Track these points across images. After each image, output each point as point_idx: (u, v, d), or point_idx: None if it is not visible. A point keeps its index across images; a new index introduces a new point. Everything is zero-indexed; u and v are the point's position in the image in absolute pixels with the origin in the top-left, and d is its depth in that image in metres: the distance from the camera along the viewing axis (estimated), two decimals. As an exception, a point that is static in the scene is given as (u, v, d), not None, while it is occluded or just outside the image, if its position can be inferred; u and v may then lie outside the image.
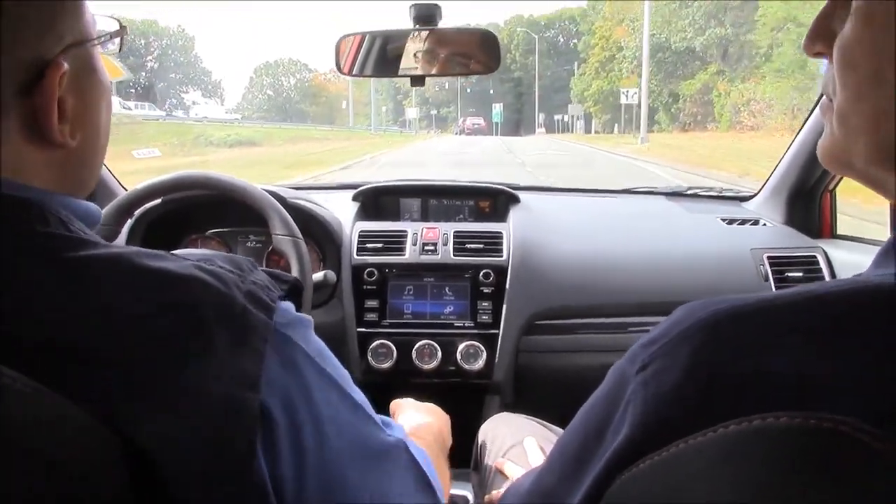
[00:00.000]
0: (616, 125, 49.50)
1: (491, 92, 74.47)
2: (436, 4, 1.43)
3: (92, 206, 0.60)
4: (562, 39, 77.30)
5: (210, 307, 0.51)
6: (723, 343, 0.48)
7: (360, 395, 0.62)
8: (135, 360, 0.48)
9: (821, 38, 0.54)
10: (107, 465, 0.45)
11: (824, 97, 0.57)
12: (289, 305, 0.57)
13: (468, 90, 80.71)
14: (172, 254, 0.55)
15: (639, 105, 32.55)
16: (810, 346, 0.45)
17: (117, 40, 0.65)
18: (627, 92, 34.04)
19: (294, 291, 0.59)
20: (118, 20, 0.67)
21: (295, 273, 1.42)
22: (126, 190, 1.76)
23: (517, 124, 69.94)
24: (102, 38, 0.59)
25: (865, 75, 0.50)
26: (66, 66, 0.54)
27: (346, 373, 0.61)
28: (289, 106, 79.77)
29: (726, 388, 0.46)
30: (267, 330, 0.53)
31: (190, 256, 0.55)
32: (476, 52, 1.47)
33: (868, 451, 0.40)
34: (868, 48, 0.50)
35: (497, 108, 62.58)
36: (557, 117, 61.69)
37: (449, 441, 1.08)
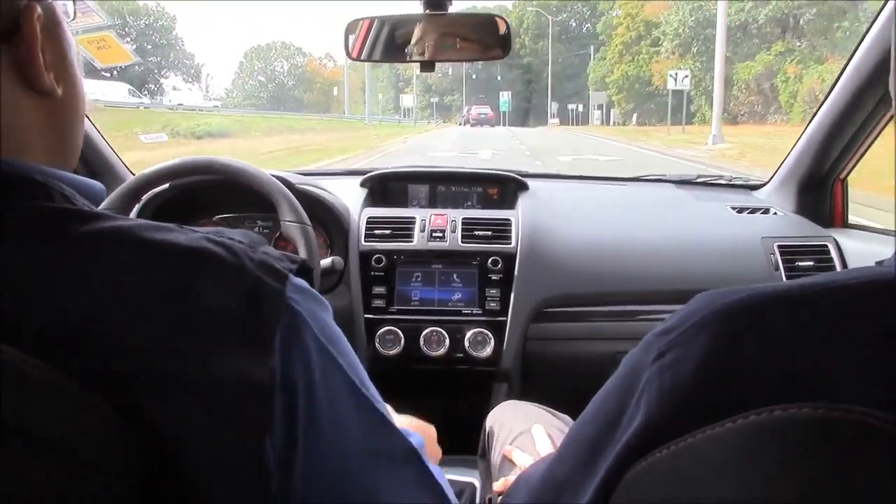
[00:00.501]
0: (636, 115, 46.93)
1: (499, 78, 70.77)
2: None
3: (95, 182, 0.59)
4: (574, 23, 72.00)
5: (220, 277, 0.50)
6: (739, 333, 0.47)
7: (372, 392, 0.60)
8: (144, 339, 0.47)
9: None
10: (118, 450, 0.45)
11: None
12: (301, 282, 0.55)
13: (473, 76, 76.38)
14: (181, 227, 0.54)
15: (681, 93, 28.17)
16: (827, 338, 0.45)
17: (70, 4, 0.67)
18: (676, 75, 27.21)
19: (303, 271, 0.58)
20: None
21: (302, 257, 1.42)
22: (134, 175, 1.76)
23: (526, 114, 66.66)
24: None
25: None
26: (39, 9, 0.54)
27: (358, 364, 0.59)
28: (282, 93, 76.13)
29: (743, 378, 0.46)
30: (280, 299, 0.51)
31: (199, 230, 0.54)
32: (486, 38, 1.46)
33: (893, 442, 0.39)
34: None
35: (505, 97, 59.40)
36: (571, 107, 57.47)
37: (438, 456, 1.07)
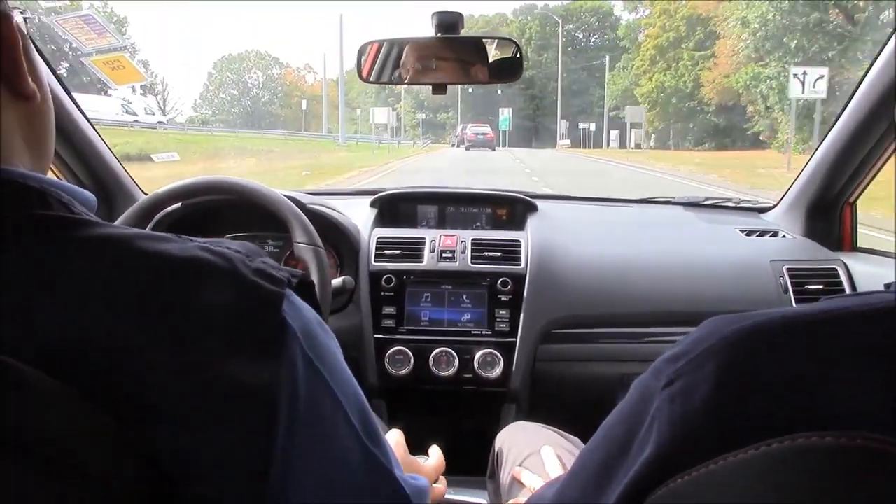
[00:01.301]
0: (671, 135, 41.00)
1: (499, 93, 60.46)
2: (458, 13, 1.43)
3: (88, 193, 0.60)
4: (581, 35, 64.31)
5: (216, 286, 0.50)
6: (748, 361, 0.48)
7: (372, 421, 0.59)
8: (142, 345, 0.47)
9: None
10: (117, 460, 0.45)
11: None
12: (299, 300, 0.55)
13: (470, 91, 61.94)
14: (178, 237, 0.54)
15: (810, 103, 18.86)
16: (836, 365, 0.45)
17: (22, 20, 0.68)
18: (805, 77, 17.01)
19: (303, 285, 0.57)
20: (20, 10, 0.70)
21: (314, 281, 1.43)
22: (146, 194, 1.78)
23: (529, 133, 58.81)
24: (18, 8, 0.61)
25: None
26: (16, 18, 0.56)
27: (357, 398, 0.58)
28: (256, 108, 67.57)
29: (753, 405, 0.46)
30: (280, 299, 0.52)
31: (196, 239, 0.54)
32: (498, 62, 1.47)
33: None
34: None
35: (505, 114, 50.25)
36: (583, 126, 48.69)
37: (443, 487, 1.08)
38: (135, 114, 31.66)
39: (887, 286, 0.53)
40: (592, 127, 48.05)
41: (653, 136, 40.84)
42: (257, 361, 0.49)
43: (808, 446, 0.42)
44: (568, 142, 49.40)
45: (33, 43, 0.61)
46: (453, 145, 46.04)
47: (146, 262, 0.50)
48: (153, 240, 0.52)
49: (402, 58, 1.50)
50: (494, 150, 38.22)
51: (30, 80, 0.57)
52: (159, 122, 36.33)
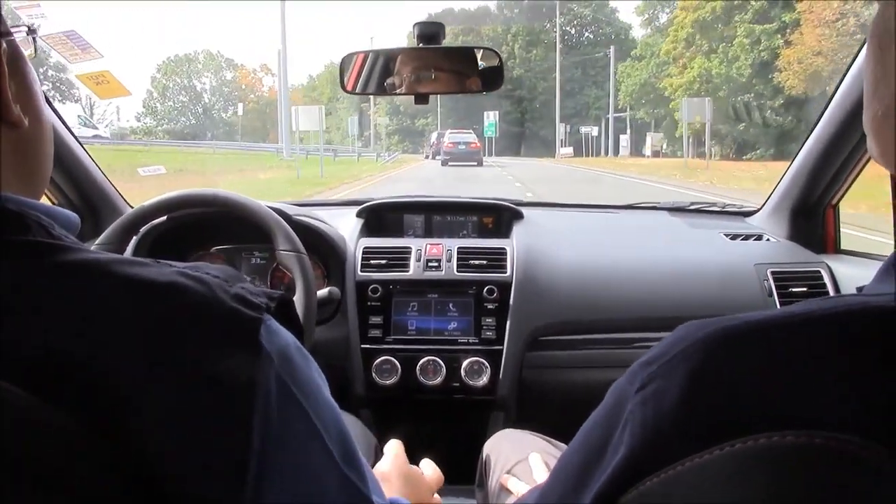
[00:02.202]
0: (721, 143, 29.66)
1: (484, 94, 50.00)
2: (439, 23, 1.44)
3: (70, 213, 0.60)
4: (574, 30, 55.22)
5: (193, 311, 0.51)
6: (719, 365, 0.48)
7: (350, 445, 0.58)
8: (120, 368, 0.47)
9: None
10: (100, 476, 0.45)
11: None
12: (277, 325, 0.55)
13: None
14: (157, 261, 0.55)
15: None
16: (807, 367, 0.46)
17: (32, 41, 0.68)
18: None
19: (282, 305, 0.57)
20: (27, 26, 0.70)
21: (299, 288, 1.43)
22: (132, 207, 1.77)
23: (517, 140, 51.48)
24: (20, 28, 0.62)
25: None
26: (4, 45, 0.56)
27: (337, 423, 0.58)
28: (209, 115, 58.77)
29: (723, 408, 0.47)
30: (258, 326, 0.52)
31: (175, 264, 0.55)
32: (479, 70, 1.48)
33: (874, 469, 0.40)
34: None
35: (491, 118, 40.44)
36: (585, 130, 43.33)
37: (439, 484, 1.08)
38: (95, 127, 30.89)
39: (859, 289, 0.54)
40: (594, 132, 42.37)
41: (687, 140, 29.16)
42: (233, 385, 0.49)
43: (768, 446, 0.43)
44: (570, 150, 40.98)
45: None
46: (427, 157, 37.41)
47: (125, 287, 0.50)
48: (131, 265, 0.52)
49: (389, 69, 1.51)
50: (482, 163, 29.33)
51: (14, 106, 0.56)
52: (95, 136, 30.40)
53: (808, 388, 0.45)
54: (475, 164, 28.46)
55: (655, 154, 34.14)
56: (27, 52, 0.67)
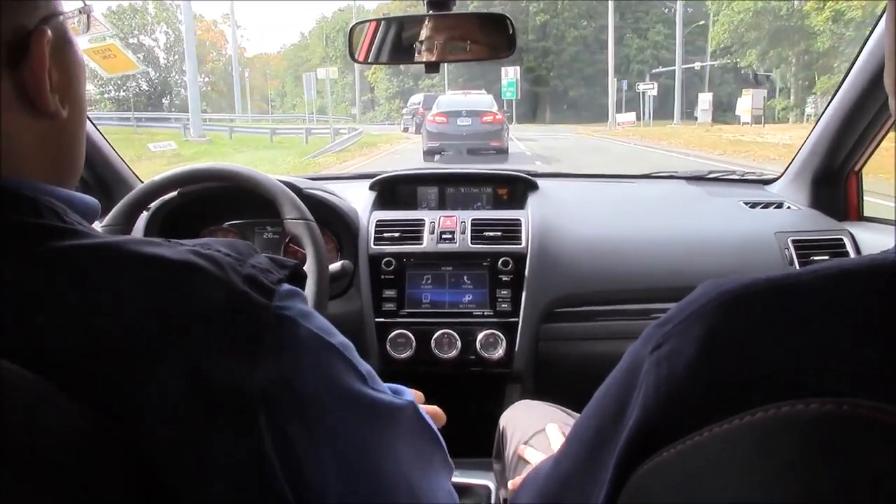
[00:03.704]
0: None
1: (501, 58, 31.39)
2: None
3: (91, 199, 0.60)
4: None
5: (207, 292, 0.50)
6: (736, 323, 0.46)
7: (365, 366, 0.61)
8: (129, 354, 0.47)
9: None
10: (107, 468, 0.45)
11: None
12: (289, 288, 0.55)
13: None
14: (168, 241, 0.54)
15: None
16: (826, 326, 0.44)
17: (84, 18, 0.67)
18: None
19: (295, 276, 0.58)
20: (83, 1, 0.69)
21: (310, 256, 1.41)
22: (142, 182, 1.77)
23: (543, 103, 41.15)
24: (72, 14, 0.61)
25: None
26: (49, 33, 0.54)
27: (350, 344, 0.60)
28: (167, 79, 46.07)
29: (741, 371, 0.45)
30: (267, 313, 0.51)
31: (186, 243, 0.54)
32: (493, 38, 1.46)
33: None
34: None
35: (510, 76, 28.48)
36: (645, 87, 31.38)
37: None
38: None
39: (884, 253, 0.51)
40: (653, 90, 30.39)
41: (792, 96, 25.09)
42: (243, 366, 0.49)
43: (793, 414, 0.40)
44: (632, 116, 29.21)
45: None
46: (407, 130, 25.62)
47: (140, 265, 0.50)
48: (145, 244, 0.52)
49: (398, 37, 1.49)
50: (506, 151, 16.06)
51: (52, 97, 0.55)
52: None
53: (833, 350, 0.43)
54: (492, 153, 15.54)
55: (757, 120, 24.24)
56: (80, 28, 0.66)
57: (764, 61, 30.93)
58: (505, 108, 18.45)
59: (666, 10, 42.00)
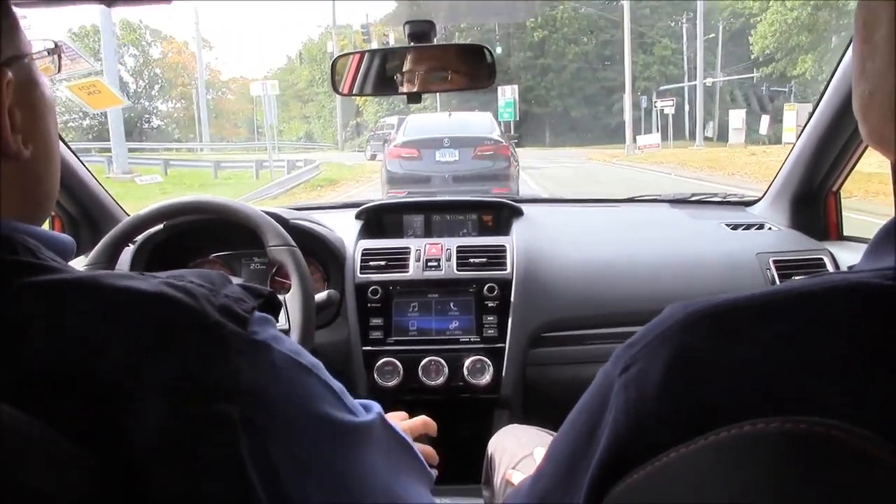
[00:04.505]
0: None
1: (499, 49, 32.82)
2: (430, 22, 1.44)
3: (66, 237, 0.61)
4: None
5: (181, 323, 0.51)
6: (701, 344, 0.47)
7: (336, 384, 0.62)
8: (106, 382, 0.47)
9: None
10: (92, 493, 0.45)
11: None
12: (261, 315, 0.57)
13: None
14: (142, 274, 0.55)
15: None
16: (789, 347, 0.45)
17: (56, 58, 0.69)
18: None
19: (270, 304, 0.59)
20: (54, 41, 0.70)
21: (294, 282, 1.42)
22: (128, 216, 1.77)
23: (542, 124, 38.41)
24: (40, 54, 0.62)
25: None
26: (10, 75, 0.55)
27: (320, 363, 0.61)
28: (135, 106, 42.10)
29: (706, 391, 0.46)
30: (242, 341, 0.52)
31: (160, 275, 0.55)
32: (471, 67, 1.48)
33: (862, 455, 0.39)
34: None
35: (508, 96, 23.92)
36: (663, 105, 27.43)
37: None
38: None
39: (850, 268, 0.53)
40: (671, 107, 26.86)
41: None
42: (220, 392, 0.50)
43: (755, 433, 0.41)
44: (656, 137, 25.37)
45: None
46: (373, 158, 21.87)
47: (115, 296, 0.51)
48: (119, 277, 0.52)
49: (381, 69, 1.51)
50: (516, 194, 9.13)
51: (14, 137, 0.56)
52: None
53: (795, 367, 0.44)
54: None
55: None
56: (51, 67, 0.67)
57: (822, 68, 25.62)
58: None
59: (672, 24, 39.45)
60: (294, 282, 1.42)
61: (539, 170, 16.76)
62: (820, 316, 0.46)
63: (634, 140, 25.46)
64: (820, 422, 0.40)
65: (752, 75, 31.36)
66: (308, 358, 0.59)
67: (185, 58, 47.37)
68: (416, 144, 9.93)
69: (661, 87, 32.34)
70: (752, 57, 30.55)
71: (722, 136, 27.73)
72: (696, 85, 29.93)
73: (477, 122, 10.99)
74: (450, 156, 9.77)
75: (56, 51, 0.68)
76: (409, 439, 0.76)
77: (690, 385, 0.46)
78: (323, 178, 16.92)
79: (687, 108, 28.63)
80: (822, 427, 0.40)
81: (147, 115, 43.77)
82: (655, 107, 28.15)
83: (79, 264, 1.47)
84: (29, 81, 0.59)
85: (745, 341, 0.46)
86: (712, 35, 33.63)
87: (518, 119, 26.75)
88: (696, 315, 0.49)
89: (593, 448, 0.51)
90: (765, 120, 22.68)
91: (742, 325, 0.47)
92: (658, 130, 26.95)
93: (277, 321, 0.60)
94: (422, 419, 1.14)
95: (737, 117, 25.80)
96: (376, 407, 0.69)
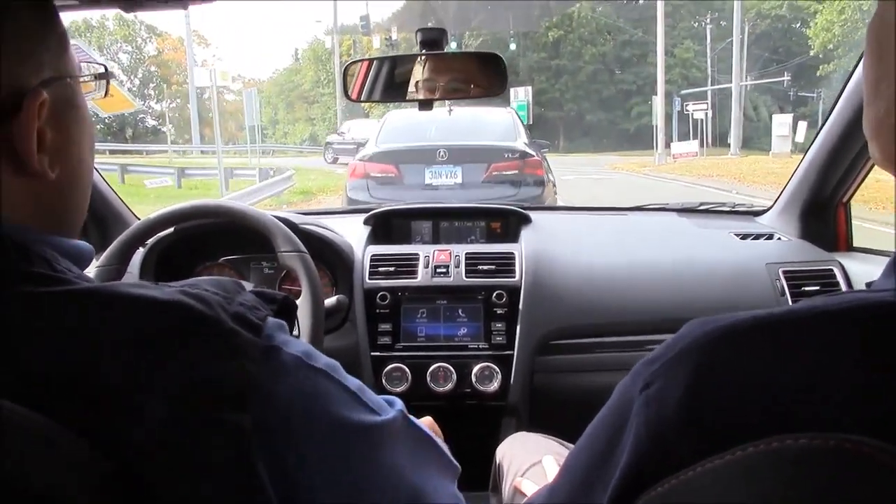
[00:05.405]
0: None
1: (512, 46, 32.06)
2: (442, 29, 1.45)
3: (83, 244, 0.60)
4: None
5: (195, 330, 0.51)
6: (721, 362, 0.48)
7: (354, 381, 0.62)
8: (116, 387, 0.48)
9: None
10: (103, 496, 0.45)
11: None
12: (275, 321, 0.57)
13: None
14: (156, 284, 0.55)
15: None
16: (809, 365, 0.45)
17: (102, 83, 0.67)
18: None
19: (284, 309, 0.59)
20: (104, 65, 0.69)
21: (304, 287, 1.42)
22: (139, 219, 1.78)
23: (555, 129, 36.25)
24: (84, 77, 0.61)
25: None
26: (45, 95, 0.55)
27: (336, 363, 0.61)
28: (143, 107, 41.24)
29: (729, 408, 0.46)
30: (255, 349, 0.52)
31: (174, 285, 0.55)
32: (482, 75, 1.48)
33: (893, 471, 0.39)
34: None
35: (521, 97, 20.50)
36: (694, 109, 25.27)
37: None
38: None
39: (868, 285, 0.53)
40: (702, 112, 24.65)
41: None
42: (233, 400, 0.50)
43: (781, 450, 0.41)
44: (694, 145, 23.49)
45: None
46: (333, 162, 20.97)
47: (129, 304, 0.51)
48: (133, 287, 0.53)
49: (391, 75, 1.52)
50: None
51: (40, 158, 0.55)
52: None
53: (816, 386, 0.44)
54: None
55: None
56: (97, 94, 0.66)
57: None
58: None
59: (695, 24, 37.74)
60: (304, 288, 1.42)
61: (563, 181, 11.24)
62: (840, 335, 0.46)
63: (668, 146, 23.29)
64: (848, 438, 0.40)
65: (782, 79, 30.08)
66: (322, 360, 0.59)
67: (179, 55, 42.93)
68: (395, 158, 6.25)
69: (683, 91, 30.07)
70: (812, 53, 28.75)
71: (745, 143, 26.19)
72: (720, 88, 28.16)
73: (491, 124, 6.96)
74: (447, 176, 6.13)
75: (105, 76, 0.67)
76: (433, 434, 0.75)
77: (711, 403, 0.46)
78: (295, 189, 14.58)
79: (709, 113, 25.78)
80: (852, 443, 0.40)
81: (141, 115, 42.19)
82: (686, 111, 25.76)
83: (90, 266, 1.48)
84: (67, 104, 0.58)
85: (765, 360, 0.46)
86: (731, 38, 30.90)
87: (531, 122, 21.90)
88: (716, 333, 0.49)
89: (612, 464, 0.51)
90: (801, 126, 19.80)
91: (761, 343, 0.47)
92: (684, 137, 24.79)
93: (294, 324, 0.60)
94: (426, 420, 1.14)
95: (781, 123, 22.76)
96: (398, 403, 0.68)
